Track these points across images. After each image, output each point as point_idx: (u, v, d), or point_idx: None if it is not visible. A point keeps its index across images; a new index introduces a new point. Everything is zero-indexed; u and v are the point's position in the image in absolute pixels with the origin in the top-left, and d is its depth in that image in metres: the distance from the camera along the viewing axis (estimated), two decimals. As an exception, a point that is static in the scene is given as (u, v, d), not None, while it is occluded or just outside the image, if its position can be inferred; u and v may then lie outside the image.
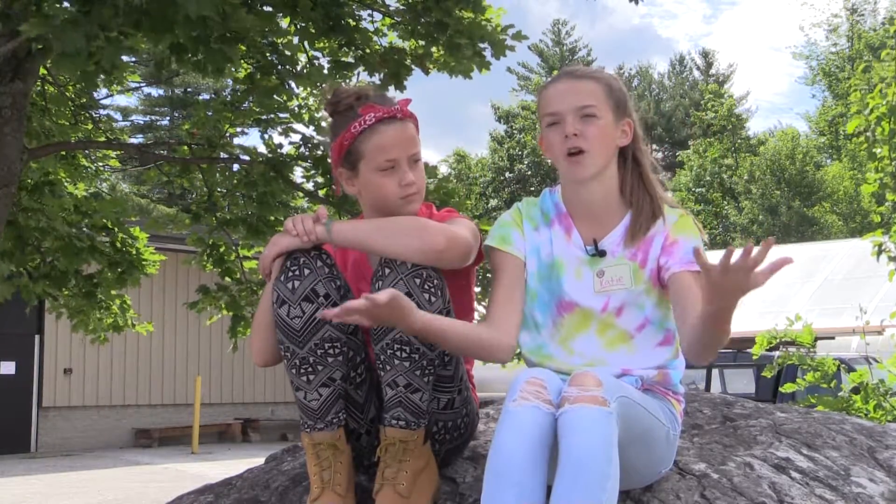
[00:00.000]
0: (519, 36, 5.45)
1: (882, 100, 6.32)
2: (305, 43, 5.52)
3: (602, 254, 2.21)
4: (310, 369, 2.16)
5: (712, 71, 42.86)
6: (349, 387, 2.25)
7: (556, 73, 2.33)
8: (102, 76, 5.13)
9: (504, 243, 2.25)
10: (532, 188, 34.52)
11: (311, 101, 6.40)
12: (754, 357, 5.48)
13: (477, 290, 5.90)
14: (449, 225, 2.20)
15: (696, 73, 43.75)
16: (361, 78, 5.76)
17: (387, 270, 2.12)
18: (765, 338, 5.13)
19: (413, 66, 5.59)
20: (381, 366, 2.16)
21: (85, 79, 4.70)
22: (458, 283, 2.30)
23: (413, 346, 2.12)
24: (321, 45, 5.64)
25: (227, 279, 6.78)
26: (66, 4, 4.47)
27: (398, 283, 2.09)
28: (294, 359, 2.16)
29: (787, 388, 5.10)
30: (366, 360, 2.27)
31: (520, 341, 2.26)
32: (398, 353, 2.13)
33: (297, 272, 2.14)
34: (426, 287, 2.11)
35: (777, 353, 5.43)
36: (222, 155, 6.35)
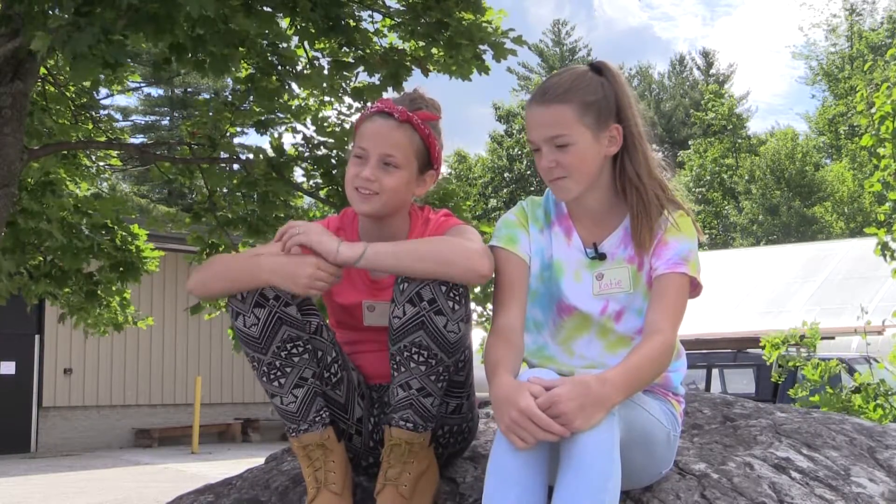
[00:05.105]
0: (519, 40, 5.44)
1: (887, 99, 6.32)
2: (305, 43, 5.52)
3: (602, 257, 2.19)
4: (278, 373, 2.16)
5: (712, 71, 42.83)
6: (325, 387, 2.24)
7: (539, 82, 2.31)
8: (103, 76, 5.13)
9: (511, 243, 2.21)
10: (532, 188, 34.50)
11: (311, 101, 6.40)
12: (769, 362, 5.43)
13: (477, 290, 5.91)
14: (468, 242, 2.14)
15: (697, 73, 43.74)
16: (361, 78, 5.76)
17: None
18: (770, 341, 5.10)
19: (413, 67, 5.58)
20: (395, 366, 2.15)
21: (94, 82, 4.70)
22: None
23: (431, 351, 2.10)
24: (321, 45, 5.64)
25: None
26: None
27: (424, 287, 2.07)
28: (261, 367, 2.15)
29: (793, 392, 5.10)
30: (339, 360, 2.26)
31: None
32: (415, 357, 2.11)
33: None
34: (451, 295, 2.09)
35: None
36: (223, 154, 6.34)
